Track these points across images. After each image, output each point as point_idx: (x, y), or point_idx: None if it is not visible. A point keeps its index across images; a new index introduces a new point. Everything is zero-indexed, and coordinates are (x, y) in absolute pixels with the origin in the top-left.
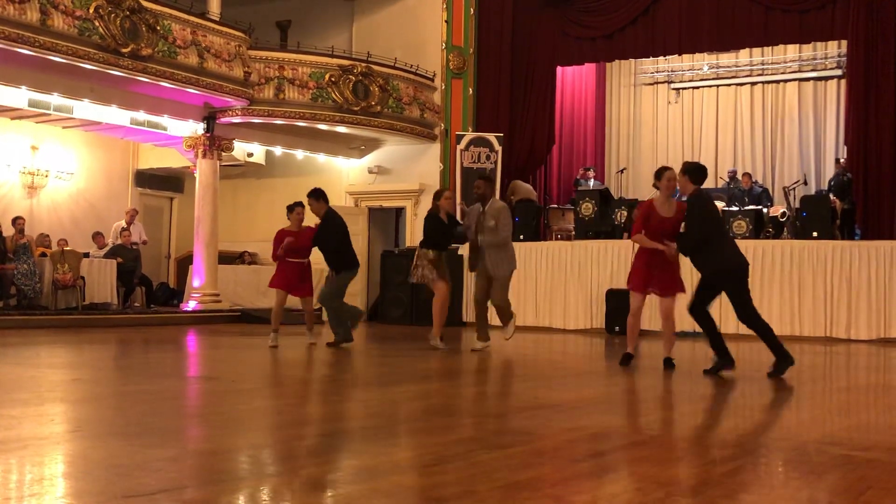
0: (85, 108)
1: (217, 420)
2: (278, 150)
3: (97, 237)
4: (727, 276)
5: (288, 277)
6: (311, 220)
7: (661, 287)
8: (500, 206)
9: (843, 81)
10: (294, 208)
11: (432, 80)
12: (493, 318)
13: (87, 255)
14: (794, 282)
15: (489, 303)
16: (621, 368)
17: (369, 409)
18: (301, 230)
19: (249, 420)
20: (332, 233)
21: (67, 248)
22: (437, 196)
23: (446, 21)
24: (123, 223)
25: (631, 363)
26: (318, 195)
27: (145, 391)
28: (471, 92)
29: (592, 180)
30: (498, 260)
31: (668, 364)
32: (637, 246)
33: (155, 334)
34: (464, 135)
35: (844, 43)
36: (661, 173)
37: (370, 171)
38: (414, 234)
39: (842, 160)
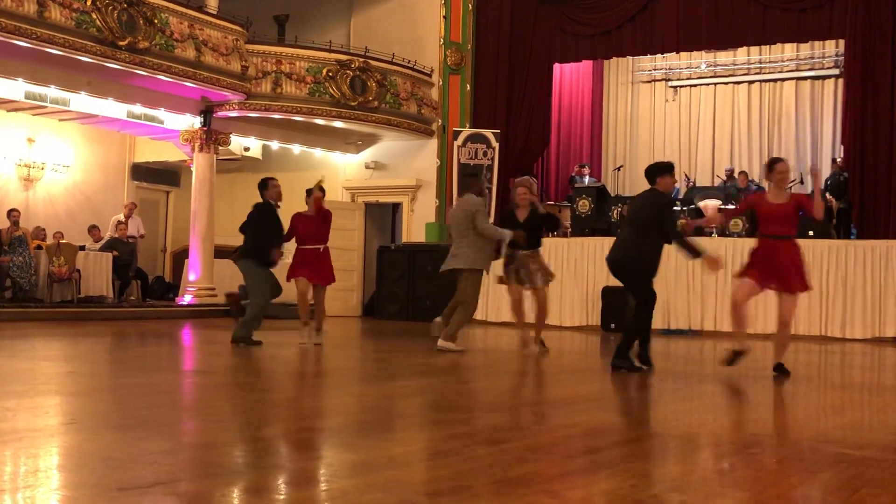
0: (82, 101)
1: (212, 414)
2: (275, 145)
3: (93, 230)
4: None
5: (306, 264)
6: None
7: (780, 283)
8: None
9: (841, 81)
10: (312, 192)
11: (430, 76)
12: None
13: (82, 248)
14: None
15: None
16: (726, 368)
17: (365, 403)
18: (316, 215)
19: (244, 414)
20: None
21: (63, 241)
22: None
23: (444, 17)
24: (122, 216)
25: (739, 361)
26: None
27: (140, 384)
28: (468, 88)
29: (588, 177)
30: None
31: (780, 370)
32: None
33: (150, 328)
34: (461, 131)
35: (842, 42)
36: (772, 165)
37: (367, 167)
38: (410, 229)
39: (838, 160)
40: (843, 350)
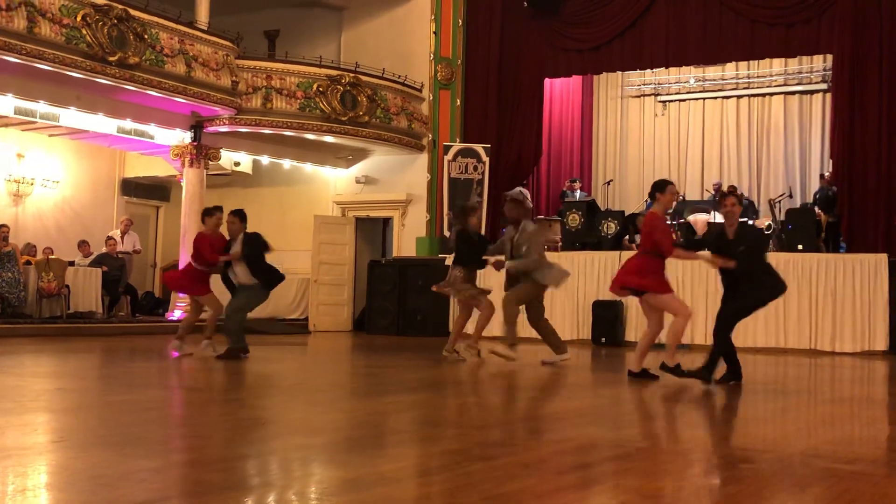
0: (71, 116)
1: (201, 430)
2: (265, 160)
3: (83, 245)
4: None
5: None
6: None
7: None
8: (532, 230)
9: (829, 95)
10: (213, 213)
11: (420, 91)
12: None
13: (72, 263)
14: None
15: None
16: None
17: (355, 419)
18: (217, 236)
19: (234, 430)
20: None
21: (52, 257)
22: (470, 212)
23: (434, 32)
24: (118, 232)
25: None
26: (242, 216)
27: (130, 401)
28: (459, 103)
29: (579, 192)
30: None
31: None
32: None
33: (140, 343)
34: (451, 145)
35: (830, 57)
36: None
37: (357, 181)
38: (401, 244)
39: (826, 175)
40: (832, 364)
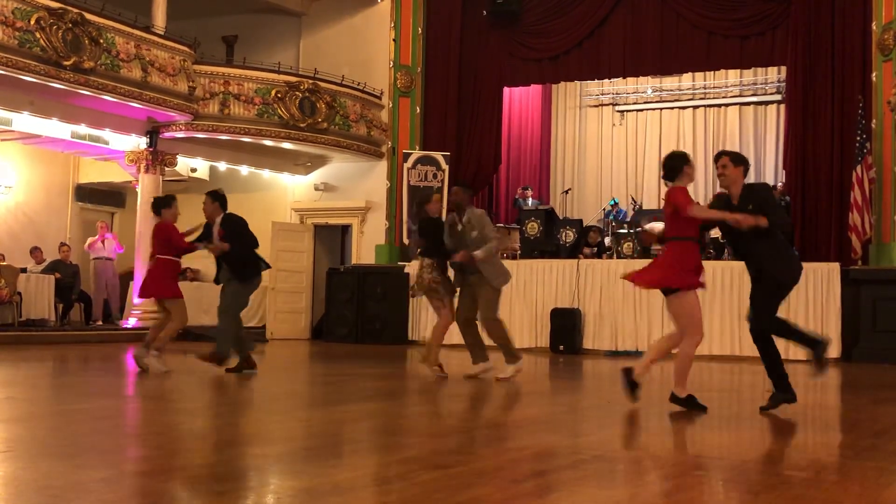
0: (24, 121)
1: (154, 440)
2: (223, 166)
3: (35, 252)
4: None
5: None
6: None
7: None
8: (480, 213)
9: (783, 106)
10: (171, 203)
11: (380, 98)
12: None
13: (24, 270)
14: (735, 303)
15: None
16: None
17: (311, 428)
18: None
19: (187, 440)
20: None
21: (4, 263)
22: (427, 200)
23: (394, 40)
24: (92, 239)
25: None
26: (215, 197)
27: (81, 410)
28: (418, 110)
29: (531, 199)
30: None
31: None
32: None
33: (94, 352)
34: (411, 153)
35: (784, 69)
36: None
37: (316, 188)
38: (360, 252)
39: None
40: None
